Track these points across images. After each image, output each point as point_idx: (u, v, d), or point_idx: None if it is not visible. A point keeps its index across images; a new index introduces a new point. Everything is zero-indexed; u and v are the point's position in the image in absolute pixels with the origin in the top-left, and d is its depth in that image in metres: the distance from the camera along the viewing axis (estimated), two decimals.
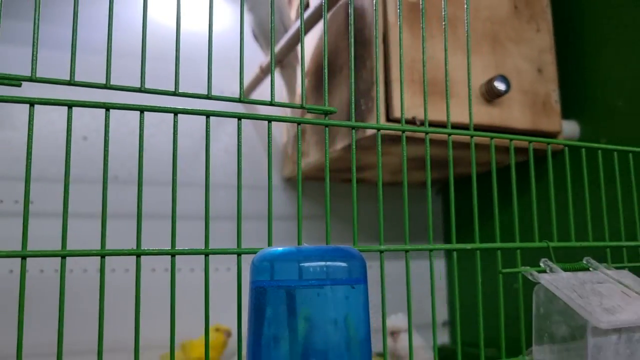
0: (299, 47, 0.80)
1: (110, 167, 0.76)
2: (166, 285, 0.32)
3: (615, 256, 0.46)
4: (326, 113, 0.38)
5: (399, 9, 0.42)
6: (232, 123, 0.39)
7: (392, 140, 0.65)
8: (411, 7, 0.65)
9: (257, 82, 0.85)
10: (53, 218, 0.48)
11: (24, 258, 0.29)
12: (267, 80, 0.84)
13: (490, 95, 0.65)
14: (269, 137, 0.37)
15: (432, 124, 0.57)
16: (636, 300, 0.39)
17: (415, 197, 0.64)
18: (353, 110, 0.41)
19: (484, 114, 0.65)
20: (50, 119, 0.78)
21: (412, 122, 0.60)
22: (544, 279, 0.39)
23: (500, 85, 0.64)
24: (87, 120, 0.80)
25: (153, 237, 0.37)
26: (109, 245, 0.31)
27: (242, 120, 0.36)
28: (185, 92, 0.34)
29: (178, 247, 0.33)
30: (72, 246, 0.30)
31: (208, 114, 0.35)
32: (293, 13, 0.84)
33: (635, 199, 0.50)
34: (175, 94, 0.34)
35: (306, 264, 0.28)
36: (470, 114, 0.44)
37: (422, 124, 0.47)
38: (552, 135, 0.70)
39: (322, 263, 0.28)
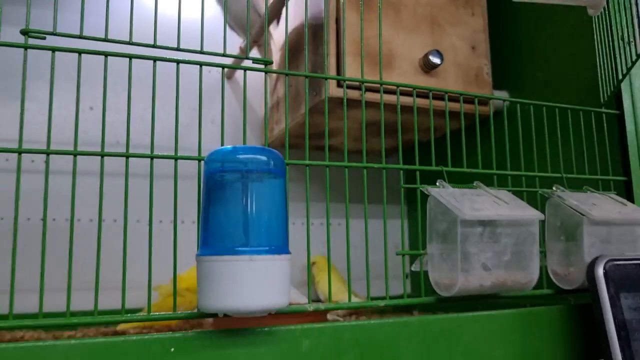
0: (270, 29, 0.93)
1: (114, 134, 0.88)
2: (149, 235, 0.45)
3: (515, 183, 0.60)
4: (265, 63, 0.51)
5: None
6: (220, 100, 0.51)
7: (342, 104, 0.78)
8: None
9: (239, 61, 0.98)
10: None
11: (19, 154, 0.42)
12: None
13: (427, 67, 0.78)
14: (200, 82, 0.50)
15: (377, 90, 0.70)
16: (502, 206, 0.52)
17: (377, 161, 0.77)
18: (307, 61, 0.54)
19: (422, 82, 0.78)
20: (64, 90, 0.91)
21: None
22: (434, 191, 0.52)
23: (434, 58, 0.77)
24: (93, 93, 0.93)
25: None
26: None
27: (227, 95, 0.49)
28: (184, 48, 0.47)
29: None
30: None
31: (178, 62, 0.48)
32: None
33: (547, 144, 0.63)
34: (177, 49, 0.47)
35: (240, 156, 0.41)
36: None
37: None
38: (484, 101, 0.83)
39: (251, 156, 0.41)
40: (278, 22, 0.95)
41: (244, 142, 0.49)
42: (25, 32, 0.43)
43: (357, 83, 0.58)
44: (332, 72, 0.75)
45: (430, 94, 0.59)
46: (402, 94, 0.61)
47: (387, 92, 0.72)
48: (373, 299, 0.52)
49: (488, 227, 0.50)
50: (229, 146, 0.42)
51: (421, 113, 0.78)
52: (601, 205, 0.56)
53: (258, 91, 1.05)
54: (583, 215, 0.54)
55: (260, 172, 0.41)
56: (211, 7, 1.02)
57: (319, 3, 0.79)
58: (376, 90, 0.74)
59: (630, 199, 0.64)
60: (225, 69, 0.99)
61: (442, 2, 0.83)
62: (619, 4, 0.69)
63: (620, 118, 0.66)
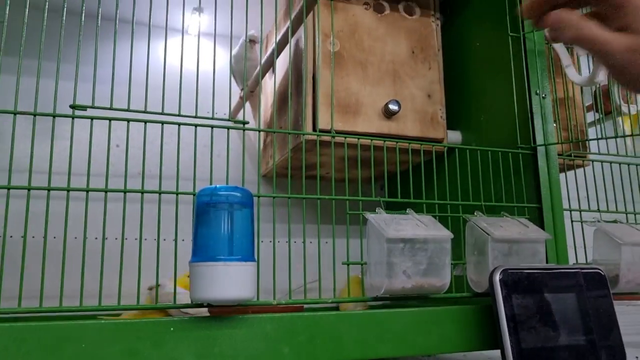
0: (262, 82, 1.12)
1: (133, 165, 1.08)
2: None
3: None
4: (243, 123, 0.69)
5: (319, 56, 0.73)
6: (224, 137, 0.69)
7: (321, 145, 0.95)
8: (332, 54, 0.96)
9: (239, 106, 1.17)
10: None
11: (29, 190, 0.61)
12: (247, 104, 1.16)
13: (388, 113, 0.95)
14: (195, 140, 0.68)
15: (347, 133, 0.88)
16: (421, 227, 0.68)
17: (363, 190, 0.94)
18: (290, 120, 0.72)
19: (384, 126, 0.96)
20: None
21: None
22: (370, 216, 0.69)
23: (393, 106, 0.94)
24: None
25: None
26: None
27: (231, 132, 0.67)
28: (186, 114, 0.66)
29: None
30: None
31: (196, 125, 0.66)
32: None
33: (480, 177, 0.80)
34: (179, 115, 0.66)
35: (221, 192, 0.59)
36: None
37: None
38: (439, 141, 1.00)
39: (228, 192, 0.59)
40: (274, 71, 1.14)
41: (243, 173, 0.67)
42: (73, 107, 0.62)
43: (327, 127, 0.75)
44: (309, 119, 0.93)
45: (385, 144, 0.77)
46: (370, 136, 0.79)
47: (354, 134, 0.90)
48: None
49: (408, 243, 0.67)
50: (213, 186, 0.60)
51: (383, 150, 0.96)
52: (506, 227, 0.73)
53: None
54: (488, 234, 0.70)
55: (234, 204, 0.59)
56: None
57: (300, 62, 0.97)
58: (343, 133, 0.92)
59: (542, 221, 0.80)
60: (232, 109, 1.16)
61: (403, 58, 1.00)
62: (536, 65, 0.86)
63: (534, 156, 0.82)
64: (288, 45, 0.85)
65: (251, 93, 1.10)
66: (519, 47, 0.86)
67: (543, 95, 0.83)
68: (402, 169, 1.05)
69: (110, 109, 0.63)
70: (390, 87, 0.98)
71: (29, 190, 0.60)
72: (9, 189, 0.59)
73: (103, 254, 0.61)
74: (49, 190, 0.61)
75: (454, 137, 1.03)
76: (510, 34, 0.87)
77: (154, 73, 0.67)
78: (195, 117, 0.67)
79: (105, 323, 0.56)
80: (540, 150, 0.82)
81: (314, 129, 0.93)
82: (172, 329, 0.58)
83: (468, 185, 0.83)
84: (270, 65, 1.01)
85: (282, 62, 1.07)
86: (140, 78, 0.67)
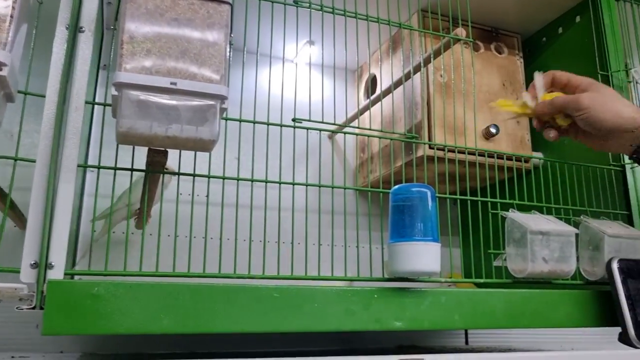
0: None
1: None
2: None
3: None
4: (414, 137, 0.85)
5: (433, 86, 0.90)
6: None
7: (430, 161, 1.12)
8: (443, 84, 1.14)
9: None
10: None
11: None
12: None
13: (487, 135, 1.12)
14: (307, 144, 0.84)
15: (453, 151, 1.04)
16: (552, 223, 0.84)
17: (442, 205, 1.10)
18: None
19: (484, 146, 1.12)
20: None
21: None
22: (510, 215, 0.85)
23: (493, 129, 1.12)
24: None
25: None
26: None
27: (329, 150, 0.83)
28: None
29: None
30: None
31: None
32: (361, 89, 1.33)
33: (576, 191, 0.97)
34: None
35: (413, 189, 0.74)
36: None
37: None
38: (526, 160, 1.17)
39: (421, 189, 0.74)
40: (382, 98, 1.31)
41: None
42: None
43: (440, 147, 0.92)
44: (425, 137, 1.09)
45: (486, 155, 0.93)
46: (469, 153, 0.95)
47: (460, 151, 1.06)
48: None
49: (545, 235, 0.83)
50: (406, 184, 0.75)
51: (478, 167, 1.12)
52: (614, 227, 0.89)
53: (350, 149, 1.40)
54: (603, 232, 0.87)
55: (424, 198, 0.75)
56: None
57: (413, 90, 1.15)
58: (451, 151, 1.08)
59: (632, 225, 0.96)
60: (330, 133, 1.33)
61: (496, 90, 1.18)
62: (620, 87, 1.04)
63: (623, 172, 0.99)
64: (403, 77, 1.02)
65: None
66: (605, 84, 1.04)
67: None
68: (490, 183, 1.21)
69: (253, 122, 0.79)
70: (487, 114, 1.16)
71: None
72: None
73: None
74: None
75: (537, 156, 1.20)
76: (600, 72, 1.05)
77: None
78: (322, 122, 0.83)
79: (329, 289, 0.71)
80: (628, 167, 0.99)
81: (430, 146, 1.09)
82: (376, 296, 0.73)
83: (560, 196, 1.00)
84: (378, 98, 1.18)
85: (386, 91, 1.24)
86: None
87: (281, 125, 0.77)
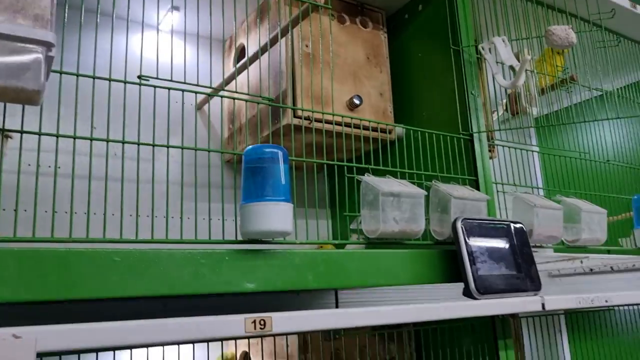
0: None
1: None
2: None
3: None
4: (270, 100, 0.84)
5: (299, 56, 0.90)
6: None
7: (296, 130, 1.12)
8: (308, 55, 1.14)
9: (205, 100, 1.30)
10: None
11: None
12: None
13: (352, 106, 1.15)
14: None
15: (319, 120, 1.05)
16: (402, 185, 0.88)
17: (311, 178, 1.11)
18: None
19: (348, 118, 1.15)
20: None
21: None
22: (365, 178, 0.88)
23: (356, 100, 1.14)
24: None
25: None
26: None
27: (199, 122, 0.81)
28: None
29: None
30: None
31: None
32: (230, 58, 1.30)
33: (435, 158, 1.01)
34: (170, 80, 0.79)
35: (265, 149, 0.73)
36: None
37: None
38: (389, 131, 1.21)
39: (274, 150, 0.74)
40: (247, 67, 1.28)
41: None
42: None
43: (307, 114, 0.92)
44: (289, 109, 1.09)
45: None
46: (336, 123, 0.97)
47: (325, 121, 1.07)
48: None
49: (396, 197, 0.86)
50: (260, 144, 0.74)
51: (344, 137, 1.15)
52: (460, 190, 0.95)
53: (218, 120, 1.37)
54: (450, 194, 0.92)
55: (276, 158, 0.74)
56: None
57: (280, 60, 1.14)
58: (318, 121, 1.09)
59: (478, 190, 1.03)
60: (198, 102, 1.30)
61: (361, 62, 1.21)
62: (471, 72, 1.11)
63: (471, 141, 1.06)
64: (267, 46, 1.01)
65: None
66: (457, 58, 1.10)
67: (476, 95, 1.08)
68: (356, 155, 1.25)
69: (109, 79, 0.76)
70: (351, 85, 1.18)
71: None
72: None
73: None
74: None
75: (399, 129, 1.25)
76: (452, 47, 1.11)
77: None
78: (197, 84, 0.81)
79: (176, 252, 0.68)
80: (476, 136, 1.06)
81: (295, 115, 1.09)
82: (227, 258, 0.72)
83: (420, 164, 1.05)
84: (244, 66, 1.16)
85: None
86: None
87: (125, 82, 0.73)
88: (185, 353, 0.86)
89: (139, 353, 0.79)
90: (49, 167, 1.13)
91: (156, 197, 0.76)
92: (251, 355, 1.13)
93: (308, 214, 0.83)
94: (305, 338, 0.96)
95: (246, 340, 1.14)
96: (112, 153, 1.10)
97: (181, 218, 0.75)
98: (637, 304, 1.32)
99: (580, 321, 1.68)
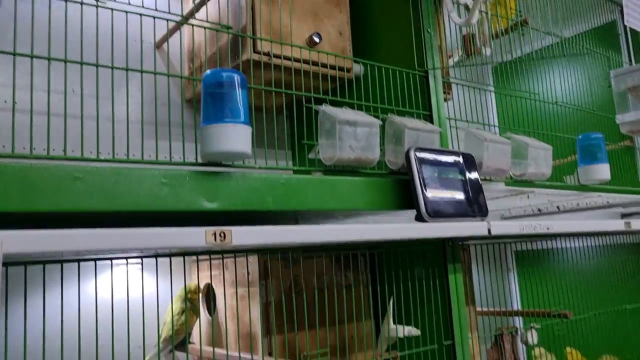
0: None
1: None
2: None
3: None
4: (228, 28, 0.85)
5: None
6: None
7: (256, 67, 1.13)
8: None
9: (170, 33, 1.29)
10: None
11: None
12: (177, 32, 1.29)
13: (311, 44, 1.16)
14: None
15: (278, 56, 1.06)
16: (358, 115, 0.91)
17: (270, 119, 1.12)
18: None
19: (307, 54, 1.17)
20: None
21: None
22: (322, 107, 0.90)
23: (316, 38, 1.16)
24: None
25: None
26: None
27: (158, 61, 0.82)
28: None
29: None
30: None
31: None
32: None
33: (385, 93, 1.04)
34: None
35: (223, 74, 0.75)
36: None
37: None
38: (348, 70, 1.23)
39: (233, 74, 0.75)
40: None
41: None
42: None
43: (266, 49, 0.94)
44: (249, 45, 1.10)
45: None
46: (295, 60, 0.98)
47: (285, 58, 1.09)
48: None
49: (352, 125, 0.89)
50: (219, 68, 0.76)
51: (305, 76, 1.17)
52: (414, 122, 0.99)
53: (177, 58, 1.36)
54: (405, 125, 0.96)
55: (233, 82, 0.76)
56: None
57: None
58: (277, 57, 1.11)
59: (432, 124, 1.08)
60: (157, 40, 1.29)
61: (321, 1, 1.22)
62: (428, 11, 1.14)
63: (426, 77, 1.10)
64: None
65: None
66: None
67: (432, 34, 1.11)
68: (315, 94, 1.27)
69: None
70: (311, 23, 1.20)
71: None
72: None
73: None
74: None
75: (357, 68, 1.27)
76: None
77: None
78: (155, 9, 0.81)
79: (137, 170, 0.70)
80: (431, 73, 1.10)
81: (254, 50, 1.10)
82: (187, 178, 0.74)
83: (377, 100, 1.09)
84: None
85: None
86: None
87: (82, 3, 0.73)
88: (148, 286, 0.89)
89: (103, 268, 0.81)
90: (5, 102, 1.12)
91: (117, 136, 0.77)
92: (214, 286, 1.17)
93: (269, 155, 0.85)
94: (265, 265, 1.01)
95: (208, 272, 1.18)
96: (69, 90, 1.09)
97: (142, 149, 0.77)
98: (576, 234, 1.41)
99: (528, 260, 1.79)
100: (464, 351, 1.01)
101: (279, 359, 0.92)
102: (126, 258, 0.72)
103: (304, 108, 0.95)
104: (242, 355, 0.91)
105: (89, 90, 0.80)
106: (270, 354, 0.98)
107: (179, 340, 1.10)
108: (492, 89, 1.51)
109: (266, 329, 1.01)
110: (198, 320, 1.11)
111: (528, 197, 1.29)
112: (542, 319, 1.29)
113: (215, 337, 1.15)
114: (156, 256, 0.73)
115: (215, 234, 0.68)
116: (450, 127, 1.13)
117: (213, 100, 0.75)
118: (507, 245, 1.90)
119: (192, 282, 1.16)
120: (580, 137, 1.38)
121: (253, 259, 1.01)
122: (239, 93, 0.76)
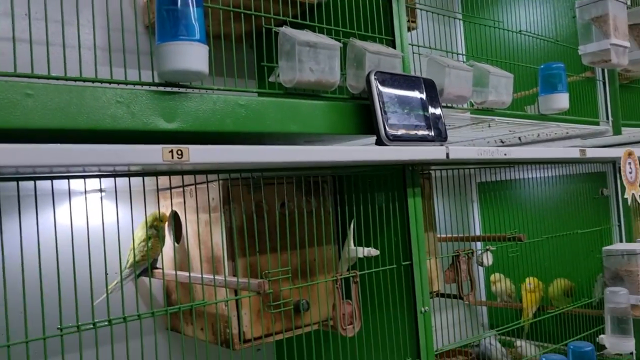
0: None
1: None
2: None
3: None
4: None
5: None
6: None
7: None
8: None
9: None
10: None
11: None
12: None
13: None
14: None
15: None
16: (319, 37, 0.90)
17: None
18: None
19: None
20: None
21: None
22: (282, 29, 0.89)
23: None
24: None
25: None
26: None
27: None
28: None
29: None
30: None
31: None
32: None
33: (347, 18, 1.03)
34: None
35: None
36: None
37: None
38: None
39: None
40: None
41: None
42: None
43: None
44: None
45: None
46: None
47: None
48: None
49: (312, 47, 0.88)
50: None
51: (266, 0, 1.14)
52: (376, 46, 0.98)
53: None
54: (366, 49, 0.95)
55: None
56: None
57: None
58: None
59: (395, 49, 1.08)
60: None
61: None
62: None
63: (390, 2, 1.09)
64: None
65: None
66: None
67: None
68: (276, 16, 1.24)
69: None
70: None
71: None
72: None
73: None
74: None
75: None
76: None
77: None
78: None
79: (91, 88, 0.69)
80: None
81: None
82: (143, 98, 0.73)
83: (339, 25, 1.07)
84: None
85: None
86: None
87: None
88: (110, 215, 0.89)
89: (63, 197, 0.80)
90: None
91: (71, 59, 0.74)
92: (179, 214, 1.18)
93: (232, 83, 0.84)
94: (228, 191, 1.02)
95: (170, 202, 1.19)
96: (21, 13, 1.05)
97: (95, 68, 0.75)
98: (533, 162, 1.46)
99: (491, 190, 1.84)
100: (421, 270, 1.05)
101: (242, 278, 0.94)
102: (84, 177, 0.72)
103: (265, 34, 0.93)
104: (205, 275, 0.93)
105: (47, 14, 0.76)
106: (234, 276, 1.01)
107: (144, 266, 1.12)
108: (460, 16, 1.50)
109: (230, 253, 1.03)
110: (162, 246, 1.12)
111: (489, 126, 1.32)
112: (499, 243, 1.34)
113: (182, 263, 1.17)
114: (114, 175, 0.73)
115: (172, 151, 0.68)
116: (414, 53, 1.13)
117: (168, 16, 0.73)
118: (472, 178, 1.95)
119: (157, 210, 1.17)
120: (542, 66, 1.39)
121: (215, 185, 1.02)
122: (193, 10, 0.74)
